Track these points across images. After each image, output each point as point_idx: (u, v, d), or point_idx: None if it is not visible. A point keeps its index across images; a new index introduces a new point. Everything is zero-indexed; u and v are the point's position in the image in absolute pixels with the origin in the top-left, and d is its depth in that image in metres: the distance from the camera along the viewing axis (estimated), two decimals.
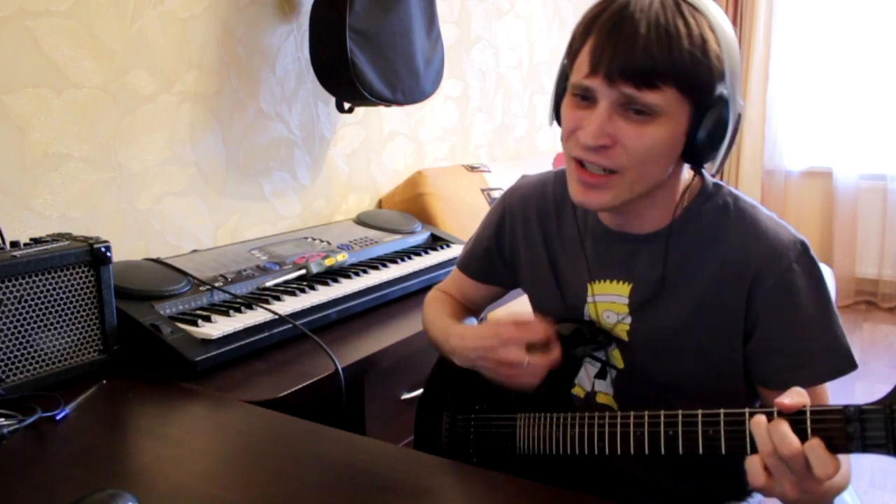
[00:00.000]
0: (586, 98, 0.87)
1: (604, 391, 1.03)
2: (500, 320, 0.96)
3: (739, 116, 0.88)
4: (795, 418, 0.69)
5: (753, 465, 0.70)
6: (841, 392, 1.46)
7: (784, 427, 0.68)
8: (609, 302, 1.00)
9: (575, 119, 0.88)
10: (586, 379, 1.05)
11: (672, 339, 0.95)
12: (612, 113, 0.84)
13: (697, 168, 0.93)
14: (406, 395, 1.45)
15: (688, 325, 0.94)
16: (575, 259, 1.04)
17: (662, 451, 0.82)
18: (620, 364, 1.01)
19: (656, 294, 0.95)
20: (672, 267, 0.95)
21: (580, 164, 0.89)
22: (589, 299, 1.02)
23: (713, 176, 0.90)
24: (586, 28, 0.87)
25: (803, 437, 0.68)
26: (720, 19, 0.85)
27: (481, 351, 0.96)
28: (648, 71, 0.81)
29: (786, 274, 0.89)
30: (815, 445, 0.66)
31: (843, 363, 0.89)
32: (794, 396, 0.70)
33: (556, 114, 0.96)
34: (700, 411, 0.79)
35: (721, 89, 0.85)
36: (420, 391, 1.25)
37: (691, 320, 0.93)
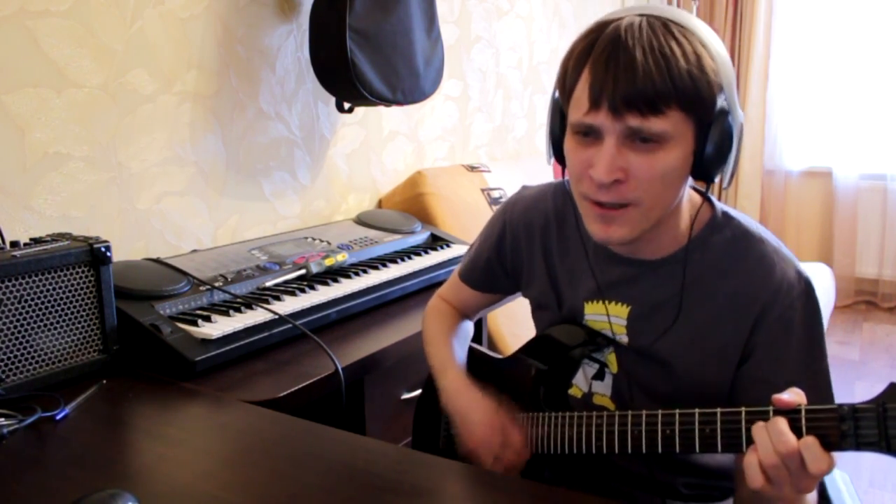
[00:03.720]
0: (589, 135, 0.86)
1: (601, 392, 1.03)
2: (492, 425, 1.01)
3: (741, 126, 0.87)
4: (791, 416, 0.72)
5: (752, 467, 0.72)
6: (841, 392, 1.46)
7: (781, 424, 0.71)
8: (605, 322, 1.00)
9: (583, 160, 0.87)
10: (583, 380, 1.05)
11: (667, 362, 0.95)
12: (620, 146, 0.83)
13: (707, 185, 0.92)
14: (406, 395, 1.45)
15: (686, 351, 0.94)
16: (575, 277, 1.04)
17: (660, 450, 0.83)
18: (615, 369, 1.01)
19: (656, 319, 0.95)
20: (676, 294, 0.94)
21: (595, 200, 0.88)
22: (587, 317, 1.02)
23: (727, 186, 0.90)
24: (579, 62, 0.85)
25: (798, 435, 0.70)
26: (709, 34, 0.85)
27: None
28: (651, 97, 0.80)
29: (787, 311, 0.89)
30: (809, 443, 0.69)
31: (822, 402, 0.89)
32: (793, 395, 0.73)
33: (555, 151, 0.95)
34: (697, 410, 0.80)
35: (721, 102, 0.85)
36: (420, 391, 1.25)
37: (690, 347, 0.94)
